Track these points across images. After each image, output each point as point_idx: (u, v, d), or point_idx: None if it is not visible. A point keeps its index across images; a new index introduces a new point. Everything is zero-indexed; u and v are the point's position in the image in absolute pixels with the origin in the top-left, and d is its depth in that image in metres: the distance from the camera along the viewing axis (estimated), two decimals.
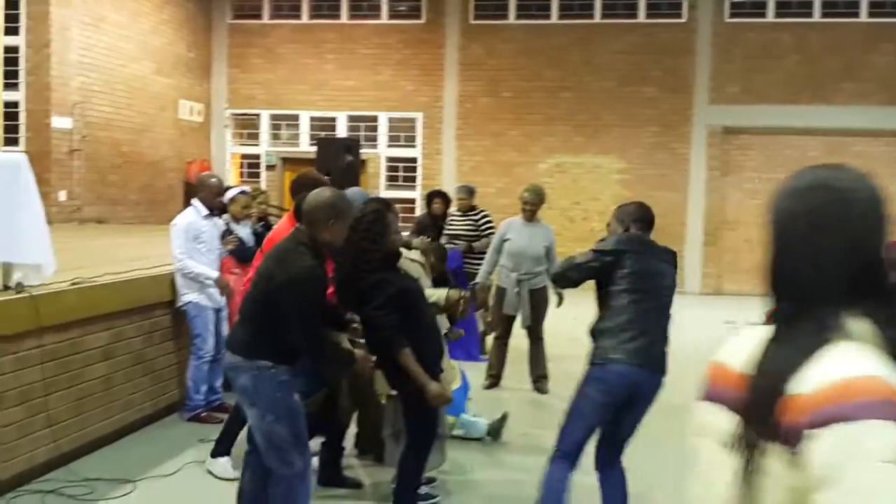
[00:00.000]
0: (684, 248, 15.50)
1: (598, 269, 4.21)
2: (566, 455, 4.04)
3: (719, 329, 11.57)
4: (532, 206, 7.49)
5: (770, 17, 15.14)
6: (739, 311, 12.57)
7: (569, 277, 4.29)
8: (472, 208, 9.07)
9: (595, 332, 4.12)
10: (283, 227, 4.91)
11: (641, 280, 4.11)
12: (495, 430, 6.19)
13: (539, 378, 7.60)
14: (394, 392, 4.47)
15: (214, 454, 5.23)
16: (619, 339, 3.99)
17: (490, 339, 9.20)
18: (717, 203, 15.42)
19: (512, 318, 7.49)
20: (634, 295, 4.06)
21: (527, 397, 7.39)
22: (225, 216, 6.71)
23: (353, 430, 5.51)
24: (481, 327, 9.06)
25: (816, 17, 14.97)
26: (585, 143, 15.64)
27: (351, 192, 6.54)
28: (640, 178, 15.50)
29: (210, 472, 5.19)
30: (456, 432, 6.10)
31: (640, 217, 4.34)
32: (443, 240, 9.05)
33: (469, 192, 9.19)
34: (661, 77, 15.29)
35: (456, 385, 6.26)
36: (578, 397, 4.09)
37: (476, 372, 7.84)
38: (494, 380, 7.65)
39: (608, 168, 15.62)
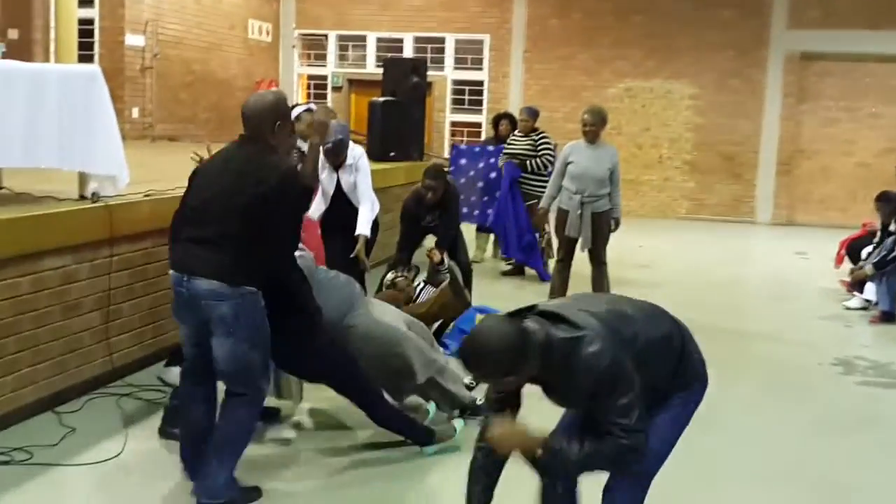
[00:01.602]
0: (756, 177, 15.14)
1: None
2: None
3: (790, 260, 11.36)
4: (592, 126, 7.34)
5: None
6: (811, 242, 12.32)
7: None
8: (534, 130, 9.18)
9: None
10: None
11: None
12: None
13: None
14: None
15: (169, 364, 4.84)
16: None
17: (552, 262, 9.26)
18: (792, 132, 14.95)
19: (574, 241, 7.44)
20: None
21: None
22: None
23: None
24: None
25: None
26: (657, 67, 15.23)
27: (332, 124, 6.35)
28: (713, 104, 15.10)
29: (160, 379, 4.89)
30: None
31: None
32: (502, 160, 9.28)
33: (531, 113, 9.32)
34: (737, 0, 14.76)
35: None
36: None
37: (540, 296, 7.85)
38: None
39: (680, 94, 15.23)
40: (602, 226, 7.38)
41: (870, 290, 8.08)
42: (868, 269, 7.86)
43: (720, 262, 11.07)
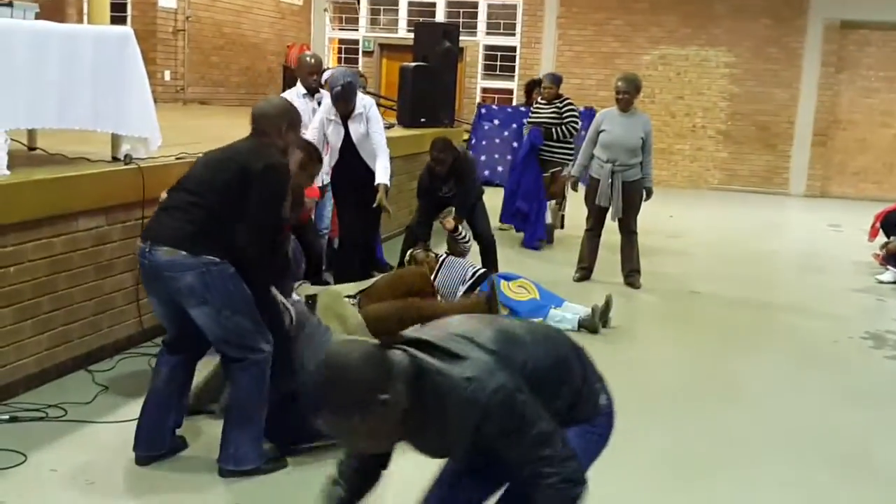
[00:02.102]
0: (791, 148, 14.94)
1: None
2: None
3: (823, 232, 11.23)
4: (626, 94, 7.27)
5: None
6: (845, 214, 12.16)
7: None
8: (558, 96, 9.10)
9: None
10: None
11: None
12: (591, 321, 6.13)
13: (631, 272, 7.52)
14: None
15: None
16: None
17: (556, 232, 9.23)
18: (830, 101, 14.70)
19: (605, 210, 7.39)
20: None
21: (617, 290, 7.35)
22: (319, 95, 6.66)
23: None
24: (549, 219, 9.13)
25: None
26: (692, 34, 15.01)
27: (333, 71, 6.45)
28: (749, 73, 14.87)
29: None
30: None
31: None
32: (526, 128, 9.29)
33: (555, 80, 9.23)
34: None
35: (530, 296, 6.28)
36: None
37: (547, 263, 7.84)
38: (585, 272, 7.61)
39: (715, 62, 15.00)
40: (633, 195, 7.33)
41: None
42: None
43: (751, 233, 10.97)
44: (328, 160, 6.20)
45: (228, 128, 4.84)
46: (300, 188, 4.71)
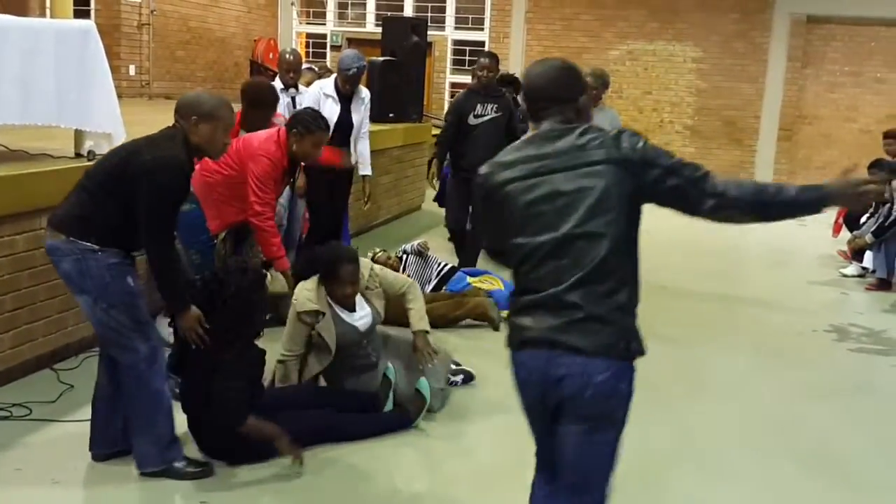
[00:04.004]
0: (757, 142, 15.08)
1: None
2: None
3: (789, 227, 11.32)
4: (593, 89, 7.28)
5: None
6: None
7: None
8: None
9: None
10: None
11: None
12: None
13: None
14: None
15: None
16: None
17: None
18: (795, 96, 14.85)
19: None
20: None
21: None
22: (291, 90, 6.76)
23: None
24: None
25: None
26: (660, 29, 15.10)
27: (346, 52, 6.52)
28: (716, 68, 14.98)
29: None
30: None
31: None
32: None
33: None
34: None
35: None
36: None
37: None
38: None
39: (682, 57, 15.10)
40: None
41: (867, 257, 8.09)
42: (868, 237, 7.84)
43: (718, 228, 10.98)
44: None
45: None
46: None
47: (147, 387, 3.52)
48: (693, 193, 2.48)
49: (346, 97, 6.34)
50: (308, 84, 7.05)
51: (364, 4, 16.44)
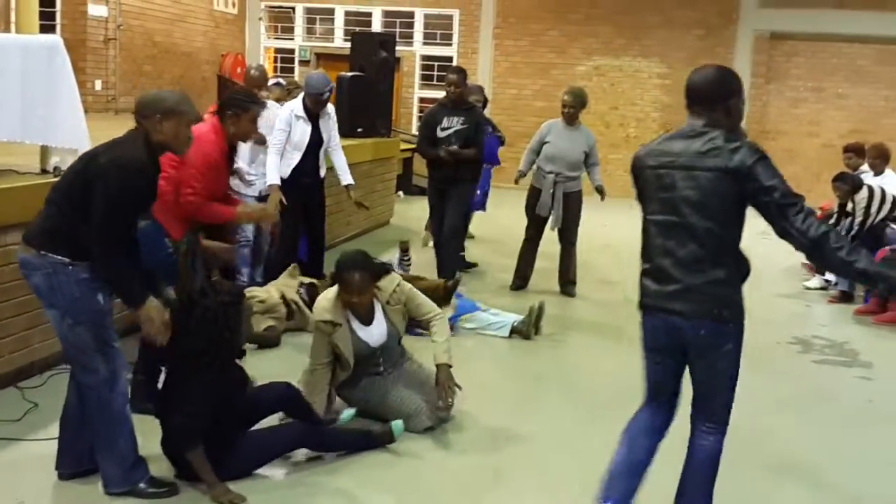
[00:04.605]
0: None
1: None
2: None
3: (753, 240, 11.47)
4: (571, 108, 7.40)
5: None
6: None
7: None
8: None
9: None
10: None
11: None
12: (525, 327, 6.20)
13: (567, 283, 7.63)
14: None
15: None
16: None
17: (493, 240, 9.15)
18: (759, 112, 15.08)
19: (544, 220, 7.48)
20: None
21: (553, 299, 7.43)
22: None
23: None
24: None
25: None
26: (626, 45, 15.27)
27: (312, 75, 6.72)
28: (681, 83, 14.64)
29: None
30: (468, 325, 6.19)
31: None
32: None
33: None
34: None
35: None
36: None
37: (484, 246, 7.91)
38: (522, 282, 7.68)
39: (648, 72, 15.29)
40: (573, 206, 7.44)
41: None
42: None
43: None
44: (287, 160, 6.47)
45: None
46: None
47: (108, 408, 3.48)
48: (774, 214, 3.01)
49: (313, 116, 6.57)
50: (277, 100, 7.07)
51: (332, 20, 16.46)
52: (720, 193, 3.01)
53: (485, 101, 9.44)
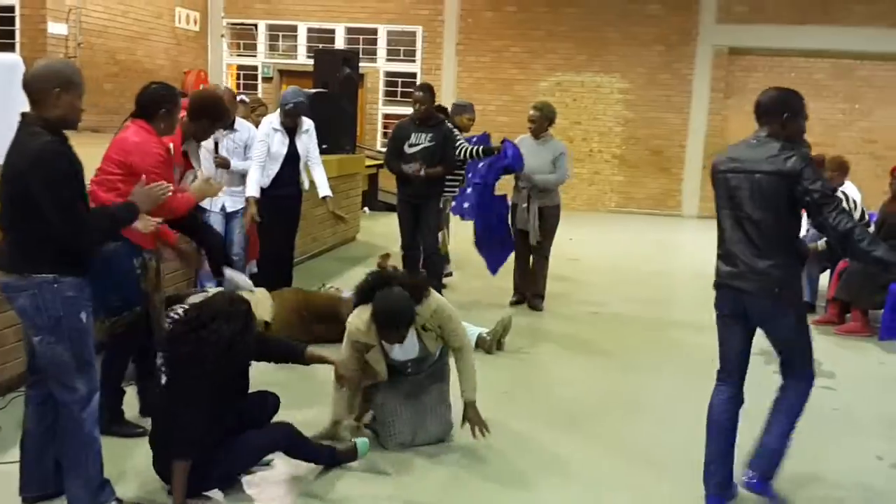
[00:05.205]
0: (684, 171, 15.45)
1: None
2: None
3: (715, 252, 11.58)
4: (533, 122, 7.48)
5: None
6: None
7: None
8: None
9: None
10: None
11: None
12: (490, 340, 6.20)
13: (535, 296, 7.67)
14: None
15: None
16: None
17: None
18: (719, 126, 15.29)
19: (527, 234, 7.54)
20: None
21: (520, 312, 7.45)
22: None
23: None
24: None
25: None
26: (588, 61, 15.42)
27: (287, 90, 6.87)
28: (642, 98, 15.34)
29: None
30: None
31: None
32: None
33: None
34: None
35: None
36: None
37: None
38: (520, 296, 7.75)
39: (609, 88, 15.44)
40: (547, 219, 7.50)
41: None
42: (821, 244, 7.58)
43: (647, 254, 11.28)
44: (264, 172, 6.59)
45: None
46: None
47: (80, 428, 3.44)
48: (813, 210, 3.62)
49: (289, 130, 6.74)
50: (244, 118, 7.08)
51: (295, 36, 16.44)
52: (776, 193, 3.64)
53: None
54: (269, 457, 4.14)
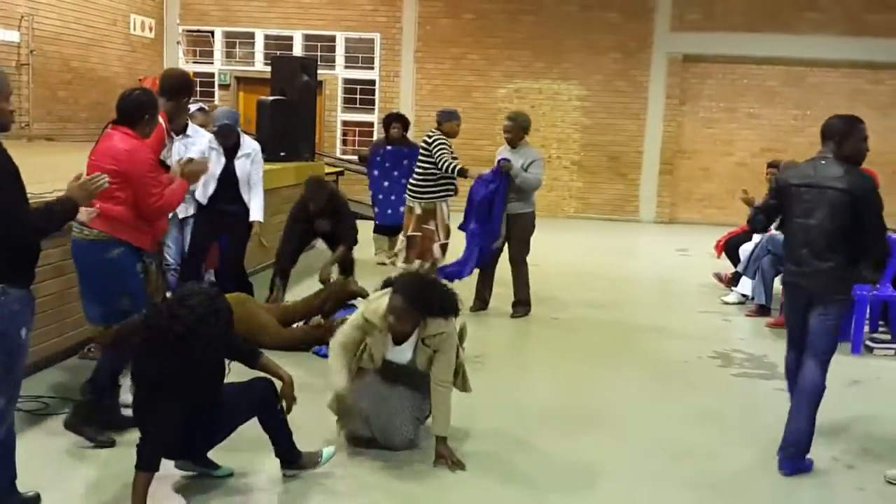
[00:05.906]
0: (641, 176, 15.61)
1: None
2: None
3: (672, 257, 11.75)
4: (508, 132, 7.56)
5: None
6: (692, 239, 12.77)
7: None
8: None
9: None
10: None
11: None
12: None
13: (514, 303, 7.71)
14: None
15: None
16: None
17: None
18: (675, 132, 15.48)
19: (502, 242, 7.58)
20: None
21: (479, 319, 7.46)
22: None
23: None
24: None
25: None
26: (545, 68, 15.52)
27: (218, 111, 6.84)
28: (600, 105, 15.47)
29: None
30: None
31: None
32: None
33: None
34: (622, 2, 15.17)
35: None
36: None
37: None
38: (482, 304, 7.75)
39: (567, 95, 15.56)
40: (519, 225, 7.55)
41: (745, 285, 8.46)
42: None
43: (606, 259, 11.37)
44: (206, 185, 6.52)
45: (77, 164, 4.64)
46: None
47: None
48: (862, 229, 4.35)
49: (228, 150, 6.61)
50: (202, 125, 6.99)
51: (252, 43, 16.33)
52: (839, 205, 4.30)
53: (406, 128, 9.65)
54: (231, 466, 4.11)
